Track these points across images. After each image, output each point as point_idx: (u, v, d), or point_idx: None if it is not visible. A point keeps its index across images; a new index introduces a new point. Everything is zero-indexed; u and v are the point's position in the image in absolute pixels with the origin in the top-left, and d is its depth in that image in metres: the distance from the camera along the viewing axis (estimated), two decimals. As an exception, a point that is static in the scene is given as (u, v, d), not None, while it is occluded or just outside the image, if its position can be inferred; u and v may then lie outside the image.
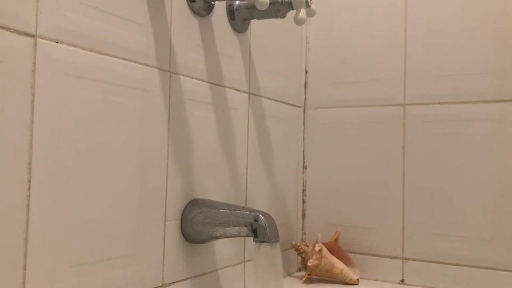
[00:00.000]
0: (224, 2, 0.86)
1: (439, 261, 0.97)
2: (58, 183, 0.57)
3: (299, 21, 0.81)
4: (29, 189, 0.54)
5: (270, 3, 0.83)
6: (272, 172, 1.01)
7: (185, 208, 0.76)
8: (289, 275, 1.07)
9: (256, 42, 0.95)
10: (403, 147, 1.02)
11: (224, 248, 0.85)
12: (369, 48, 1.07)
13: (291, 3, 0.83)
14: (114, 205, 0.64)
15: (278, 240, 0.69)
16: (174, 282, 0.74)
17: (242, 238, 0.89)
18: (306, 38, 1.15)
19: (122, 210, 0.65)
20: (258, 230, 0.69)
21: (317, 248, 0.98)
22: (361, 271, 1.03)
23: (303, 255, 1.01)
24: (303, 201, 1.13)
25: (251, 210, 0.72)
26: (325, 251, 0.99)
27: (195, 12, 0.79)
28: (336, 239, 1.03)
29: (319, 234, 1.02)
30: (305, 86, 1.14)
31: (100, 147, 0.62)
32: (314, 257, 0.98)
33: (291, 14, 0.85)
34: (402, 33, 1.04)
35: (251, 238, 0.70)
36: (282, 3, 0.83)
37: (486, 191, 0.94)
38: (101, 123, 0.62)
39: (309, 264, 0.98)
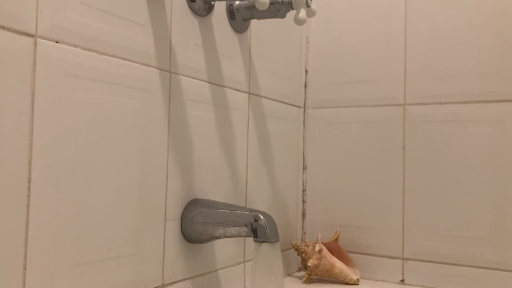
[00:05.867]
0: (224, 2, 0.86)
1: (439, 261, 0.97)
2: (58, 183, 0.57)
3: (299, 21, 0.81)
4: (29, 189, 0.54)
5: (270, 3, 0.83)
6: (272, 172, 1.01)
7: (185, 208, 0.76)
8: (289, 275, 1.07)
9: (256, 42, 0.95)
10: (403, 147, 1.02)
11: (224, 248, 0.85)
12: (369, 48, 1.07)
13: (291, 3, 0.83)
14: (114, 205, 0.64)
15: (278, 240, 0.69)
16: (174, 282, 0.74)
17: (242, 238, 0.89)
18: (306, 38, 1.15)
19: (122, 210, 0.65)
20: (258, 230, 0.69)
21: (317, 248, 0.98)
22: (361, 271, 1.03)
23: (303, 255, 1.01)
24: (303, 201, 1.13)
25: (251, 210, 0.72)
26: (325, 251, 0.99)
27: (195, 12, 0.79)
28: (336, 239, 1.03)
29: (319, 234, 1.02)
30: (305, 86, 1.14)
31: (100, 147, 0.62)
32: (314, 257, 0.98)
33: (291, 14, 0.84)
34: (402, 33, 1.04)
35: (251, 238, 0.70)
36: (282, 3, 0.83)
37: (486, 191, 0.94)
38: (101, 123, 0.62)
39: (309, 264, 0.98)
